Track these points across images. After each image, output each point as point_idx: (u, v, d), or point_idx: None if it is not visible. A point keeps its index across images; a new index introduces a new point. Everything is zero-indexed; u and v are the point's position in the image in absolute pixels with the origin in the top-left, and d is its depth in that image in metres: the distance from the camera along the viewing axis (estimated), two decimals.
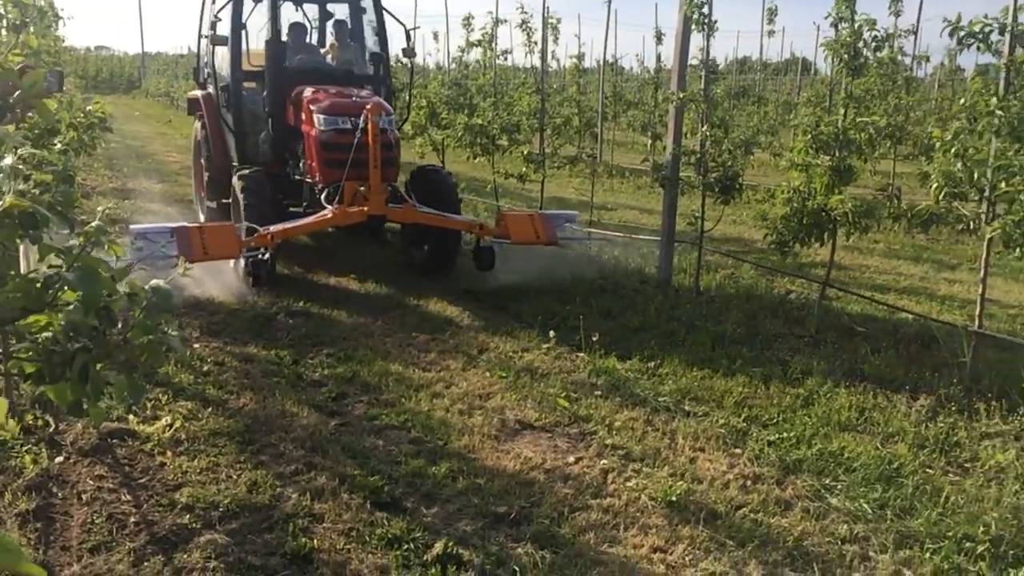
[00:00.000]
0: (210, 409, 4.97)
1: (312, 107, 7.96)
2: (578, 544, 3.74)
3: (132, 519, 3.76)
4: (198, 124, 9.78)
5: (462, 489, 4.18)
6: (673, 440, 4.79)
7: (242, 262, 7.31)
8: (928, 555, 3.71)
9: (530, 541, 3.73)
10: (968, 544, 3.76)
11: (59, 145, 4.63)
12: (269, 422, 4.82)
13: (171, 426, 4.65)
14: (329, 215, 7.45)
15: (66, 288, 1.65)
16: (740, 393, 5.48)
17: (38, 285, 1.70)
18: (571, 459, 4.55)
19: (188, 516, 3.81)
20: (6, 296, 1.61)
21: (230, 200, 8.34)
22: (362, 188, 7.53)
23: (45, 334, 1.66)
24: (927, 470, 4.53)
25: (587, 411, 5.16)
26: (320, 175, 7.84)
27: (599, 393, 5.43)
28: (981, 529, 3.86)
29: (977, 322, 5.74)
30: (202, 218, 9.68)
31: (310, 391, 5.37)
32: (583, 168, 14.42)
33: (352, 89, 8.44)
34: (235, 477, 4.18)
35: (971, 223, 5.66)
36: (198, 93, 9.80)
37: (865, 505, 4.10)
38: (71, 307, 1.61)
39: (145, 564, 3.42)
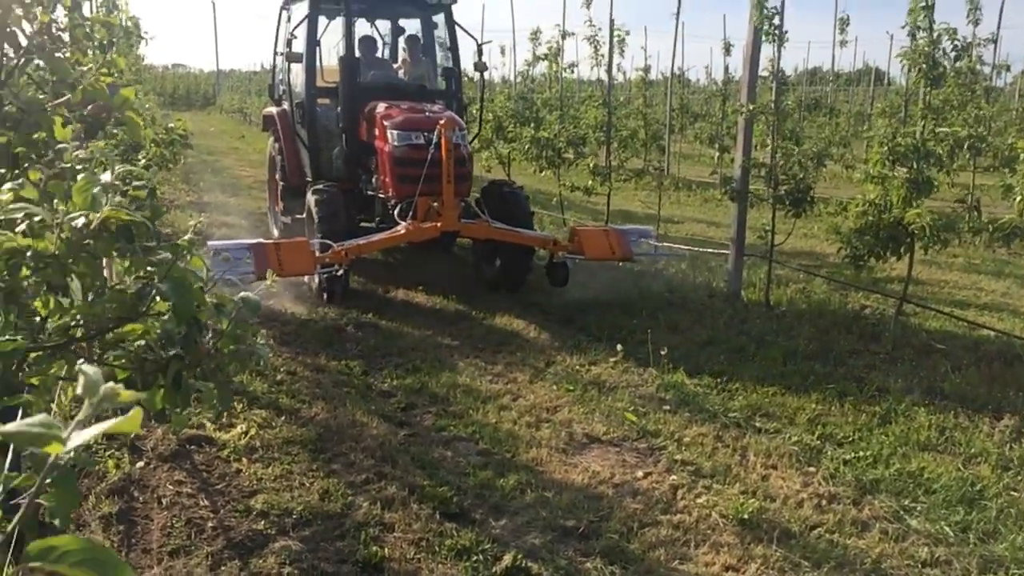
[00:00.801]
0: (283, 418, 5.07)
1: (385, 122, 7.98)
2: (648, 560, 3.70)
3: (210, 524, 3.86)
4: (272, 140, 9.95)
5: (530, 502, 4.18)
6: (744, 457, 4.71)
7: (316, 278, 7.38)
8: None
9: (599, 556, 3.70)
10: None
11: (143, 160, 4.84)
12: (340, 431, 4.89)
13: (246, 434, 4.76)
14: (402, 231, 7.47)
15: (158, 299, 1.70)
16: (813, 410, 5.36)
17: (131, 295, 1.75)
18: (640, 474, 4.51)
19: (263, 522, 3.89)
20: (102, 306, 1.67)
21: (304, 215, 8.41)
22: (435, 204, 7.52)
23: (139, 343, 1.72)
24: (1012, 492, 4.36)
25: (655, 426, 5.11)
26: (393, 190, 7.85)
27: (667, 408, 5.38)
28: None
29: None
30: (276, 233, 9.81)
31: (379, 401, 5.44)
32: (649, 181, 14.34)
33: (425, 104, 8.45)
34: (308, 485, 4.26)
35: None
36: (273, 110, 9.94)
37: (946, 528, 3.97)
38: (165, 317, 1.66)
39: (222, 568, 3.50)
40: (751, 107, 7.55)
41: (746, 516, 4.03)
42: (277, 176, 9.65)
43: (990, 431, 5.11)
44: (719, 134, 18.50)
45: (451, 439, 4.90)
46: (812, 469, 4.58)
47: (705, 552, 3.77)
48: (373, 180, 8.35)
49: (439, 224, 7.43)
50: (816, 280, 8.69)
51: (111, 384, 0.70)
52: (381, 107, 8.24)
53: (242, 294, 1.63)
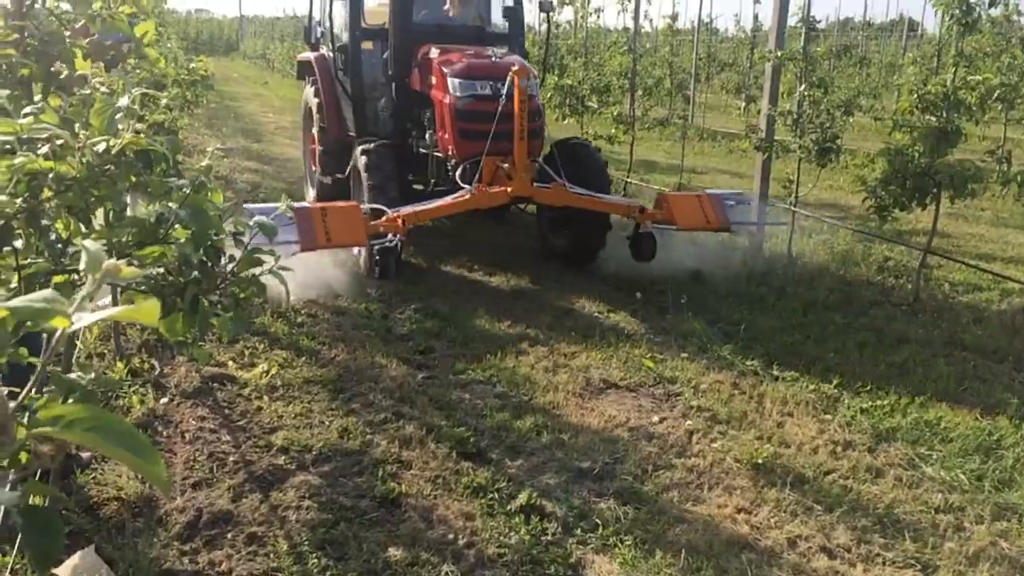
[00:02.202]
0: (304, 358, 5.13)
1: (445, 70, 6.95)
2: (661, 502, 3.75)
3: (231, 458, 3.94)
4: (310, 90, 8.77)
5: (546, 443, 4.23)
6: (760, 404, 4.73)
7: (363, 251, 6.63)
8: None
9: (612, 496, 3.75)
10: None
11: (165, 100, 4.84)
12: (359, 372, 4.95)
13: (267, 372, 4.83)
14: (467, 196, 6.51)
15: (177, 225, 1.72)
16: (832, 359, 5.36)
17: (150, 221, 1.77)
18: (655, 419, 4.54)
19: (283, 457, 3.97)
20: (122, 231, 1.69)
21: (346, 175, 7.62)
22: (505, 164, 6.64)
23: (158, 269, 1.74)
24: None
25: (672, 372, 5.12)
26: (455, 149, 6.88)
27: (685, 355, 5.39)
28: None
29: None
30: (312, 194, 9.04)
31: (398, 344, 5.49)
32: (673, 131, 14.18)
33: (489, 49, 7.32)
34: (327, 423, 4.33)
35: None
36: (310, 55, 8.79)
37: (961, 475, 3.98)
38: (182, 241, 1.68)
39: (244, 500, 3.59)
40: (779, 54, 7.40)
41: (760, 461, 4.05)
42: (314, 131, 8.65)
43: (1010, 382, 5.08)
44: (746, 84, 18.21)
45: (469, 382, 4.95)
46: (828, 417, 4.59)
47: (718, 495, 3.81)
48: (427, 136, 7.35)
49: (509, 189, 6.50)
50: (840, 231, 8.60)
51: (114, 260, 0.71)
52: (436, 52, 7.23)
53: (257, 217, 1.64)
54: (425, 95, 7.29)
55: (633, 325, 5.96)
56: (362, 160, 7.01)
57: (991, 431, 4.43)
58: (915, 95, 6.21)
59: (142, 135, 1.70)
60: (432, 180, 7.42)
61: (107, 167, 1.65)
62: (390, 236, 6.28)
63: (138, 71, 3.64)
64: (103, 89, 2.19)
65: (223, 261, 1.76)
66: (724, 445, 4.25)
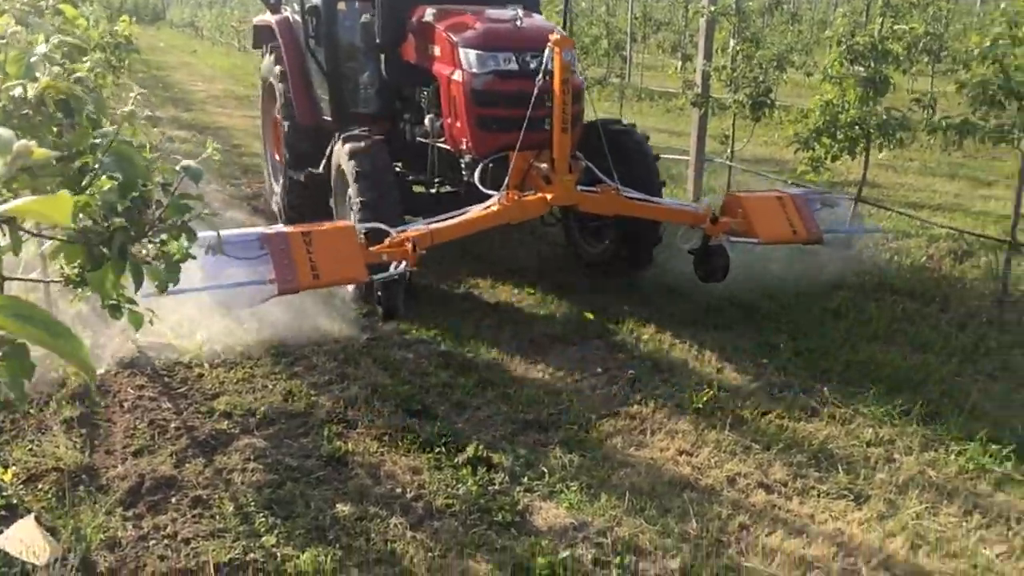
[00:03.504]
0: (245, 325, 5.07)
1: (454, 38, 5.37)
2: (605, 448, 3.82)
3: (173, 425, 3.89)
4: (270, 60, 7.11)
5: (491, 398, 4.26)
6: (700, 352, 4.83)
7: (358, 287, 5.24)
8: (953, 456, 3.75)
9: (558, 445, 3.81)
10: (994, 446, 3.79)
11: (88, 63, 4.66)
12: (302, 336, 4.91)
13: (208, 340, 4.76)
14: (496, 208, 5.02)
15: (102, 175, 1.69)
16: (768, 307, 5.48)
17: (74, 168, 1.74)
18: (598, 369, 4.60)
19: (227, 422, 3.94)
20: (46, 179, 1.65)
21: (323, 171, 6.00)
22: (540, 163, 5.20)
23: (85, 222, 1.71)
24: (955, 378, 4.53)
25: (614, 325, 5.20)
26: (471, 142, 5.35)
27: (627, 308, 5.46)
28: (1008, 432, 3.89)
29: (1011, 235, 5.65)
30: (276, 192, 7.29)
31: (341, 307, 5.45)
32: (612, 91, 14.22)
33: (507, 8, 5.64)
34: (271, 387, 4.30)
35: (1007, 132, 5.52)
36: (270, 18, 7.07)
37: (892, 411, 4.12)
38: (107, 190, 1.65)
39: (187, 465, 3.55)
40: (712, 8, 7.46)
41: (700, 405, 4.15)
42: (277, 113, 6.96)
43: (936, 323, 5.27)
44: (682, 43, 18.28)
45: (413, 342, 4.95)
46: (765, 361, 4.71)
47: (660, 439, 3.89)
48: (427, 122, 5.77)
49: (549, 196, 5.07)
50: (776, 184, 8.75)
51: (24, 141, 0.70)
52: (437, 13, 5.68)
53: (184, 162, 1.61)
54: (424, 69, 5.76)
55: (576, 279, 6.01)
56: (349, 164, 5.32)
57: (918, 368, 4.60)
58: (844, 46, 6.32)
59: (61, 80, 1.66)
60: (437, 179, 5.95)
61: (25, 112, 1.61)
62: (395, 265, 4.71)
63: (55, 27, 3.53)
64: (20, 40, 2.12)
65: (151, 210, 1.73)
66: (665, 392, 4.34)
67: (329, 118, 6.41)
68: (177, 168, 1.64)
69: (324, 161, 5.99)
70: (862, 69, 6.27)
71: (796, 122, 8.11)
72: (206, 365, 4.50)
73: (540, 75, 5.00)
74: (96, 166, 1.74)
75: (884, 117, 6.07)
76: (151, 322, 2.34)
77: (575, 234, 6.38)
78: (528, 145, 5.14)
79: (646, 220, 5.53)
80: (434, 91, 5.72)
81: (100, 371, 4.36)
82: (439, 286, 5.86)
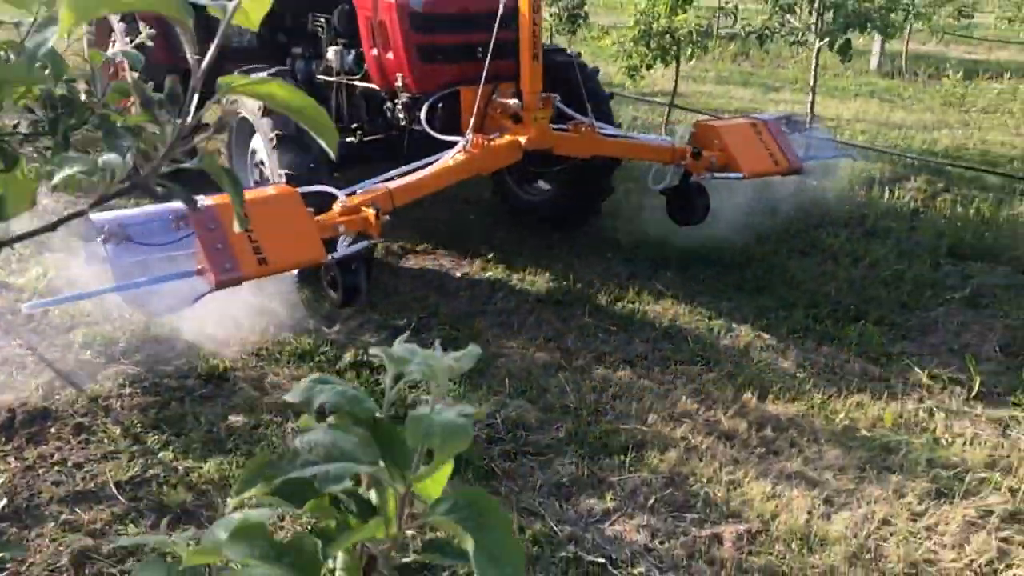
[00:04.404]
0: (81, 256, 4.80)
1: None
2: (479, 342, 3.99)
3: (29, 359, 3.69)
4: None
5: (360, 309, 4.33)
6: (551, 248, 5.10)
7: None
8: (782, 320, 4.26)
9: (434, 345, 3.96)
10: (814, 310, 4.33)
11: None
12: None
13: (44, 275, 4.49)
14: (463, 155, 4.31)
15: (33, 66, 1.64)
16: (604, 206, 5.82)
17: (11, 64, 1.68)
18: (458, 274, 4.78)
19: (88, 353, 3.78)
20: None
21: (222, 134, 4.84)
22: (509, 100, 4.55)
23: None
24: (773, 256, 5.07)
25: (467, 230, 5.36)
26: (410, 76, 4.57)
27: (472, 216, 5.64)
28: (823, 297, 4.46)
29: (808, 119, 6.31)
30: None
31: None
32: None
33: None
34: (128, 316, 4.14)
35: (801, 34, 6.11)
36: None
37: (726, 287, 4.59)
38: (45, 75, 1.60)
39: (57, 396, 3.41)
40: None
41: (560, 297, 4.44)
42: (114, 49, 5.08)
43: (748, 210, 5.82)
44: None
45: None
46: (610, 255, 5.06)
47: (527, 329, 4.15)
48: (332, 56, 4.93)
49: (523, 138, 4.39)
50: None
51: None
52: None
53: (120, 48, 1.58)
54: None
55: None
56: (263, 121, 4.36)
57: (742, 250, 5.10)
58: None
59: None
60: (356, 126, 5.15)
61: None
62: (350, 238, 3.80)
63: None
64: None
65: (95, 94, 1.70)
66: (526, 287, 4.58)
67: (197, 57, 5.30)
68: (109, 54, 1.61)
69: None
70: None
71: (601, 37, 8.47)
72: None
73: None
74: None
75: (692, 26, 6.52)
76: None
77: (506, 177, 5.44)
78: (476, 78, 4.37)
79: (600, 162, 4.95)
80: (343, 16, 4.89)
81: None
82: None
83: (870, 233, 5.53)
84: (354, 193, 3.97)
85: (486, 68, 4.29)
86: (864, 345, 4.04)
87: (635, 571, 2.59)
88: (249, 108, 4.42)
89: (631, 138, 5.04)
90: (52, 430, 3.20)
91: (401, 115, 4.73)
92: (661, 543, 2.72)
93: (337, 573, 0.61)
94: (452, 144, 4.38)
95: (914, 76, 11.32)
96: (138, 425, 3.24)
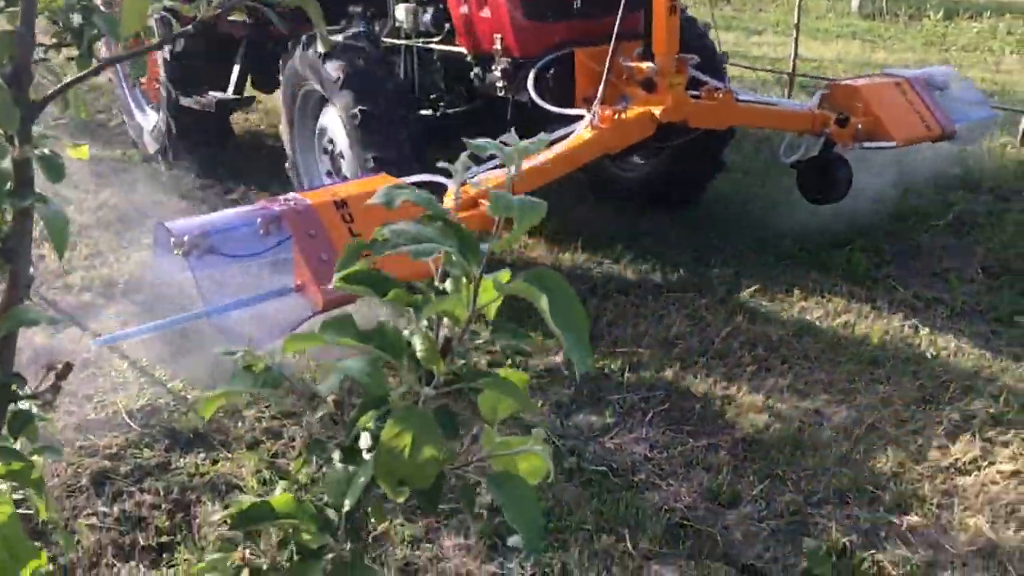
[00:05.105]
0: (71, 207, 4.81)
1: None
2: None
3: (27, 303, 3.73)
4: None
5: None
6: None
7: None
8: (771, 249, 4.35)
9: None
10: (802, 240, 4.43)
11: None
12: (142, 211, 4.75)
13: (37, 224, 4.50)
14: (590, 133, 3.72)
15: None
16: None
17: None
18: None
19: (88, 295, 3.83)
20: None
21: (233, 96, 4.93)
22: (642, 64, 3.87)
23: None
24: (760, 187, 5.15)
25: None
26: (514, 37, 3.93)
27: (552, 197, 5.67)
28: (811, 227, 4.56)
29: (792, 67, 6.38)
30: (149, 128, 5.53)
31: (171, 180, 5.28)
32: None
33: None
34: (124, 260, 4.18)
35: None
36: None
37: (715, 221, 4.67)
38: None
39: (61, 336, 3.46)
40: None
41: (552, 234, 4.51)
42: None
43: None
44: None
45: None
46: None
47: (521, 262, 4.22)
48: (402, 15, 4.21)
49: (657, 109, 3.75)
50: None
51: None
52: None
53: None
54: None
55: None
56: (344, 96, 3.78)
57: (731, 184, 5.18)
58: None
59: None
60: (433, 98, 4.44)
61: None
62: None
63: None
64: None
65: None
66: None
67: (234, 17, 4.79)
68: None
69: (237, 81, 4.86)
70: None
71: None
72: (45, 245, 4.28)
73: None
74: None
75: None
76: None
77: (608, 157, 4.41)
78: (593, 37, 3.87)
79: (715, 135, 4.27)
80: None
81: None
82: None
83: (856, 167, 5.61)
84: (465, 182, 3.29)
85: (617, 23, 3.63)
86: (850, 270, 4.13)
87: (636, 479, 2.69)
88: (323, 75, 3.81)
89: (770, 104, 4.42)
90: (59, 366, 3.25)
91: (500, 84, 3.99)
92: (660, 453, 2.82)
93: (418, 353, 0.68)
94: (565, 118, 3.82)
95: (895, 17, 11.35)
96: (144, 360, 3.30)
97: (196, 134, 5.19)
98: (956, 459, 2.76)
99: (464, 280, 0.68)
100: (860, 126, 4.13)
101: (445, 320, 0.70)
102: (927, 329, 3.57)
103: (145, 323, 2.98)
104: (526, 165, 3.31)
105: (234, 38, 4.96)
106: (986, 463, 2.75)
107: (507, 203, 0.68)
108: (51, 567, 2.25)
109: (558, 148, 3.63)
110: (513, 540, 2.49)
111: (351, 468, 0.67)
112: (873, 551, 2.37)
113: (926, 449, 2.81)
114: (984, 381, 3.21)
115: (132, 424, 2.89)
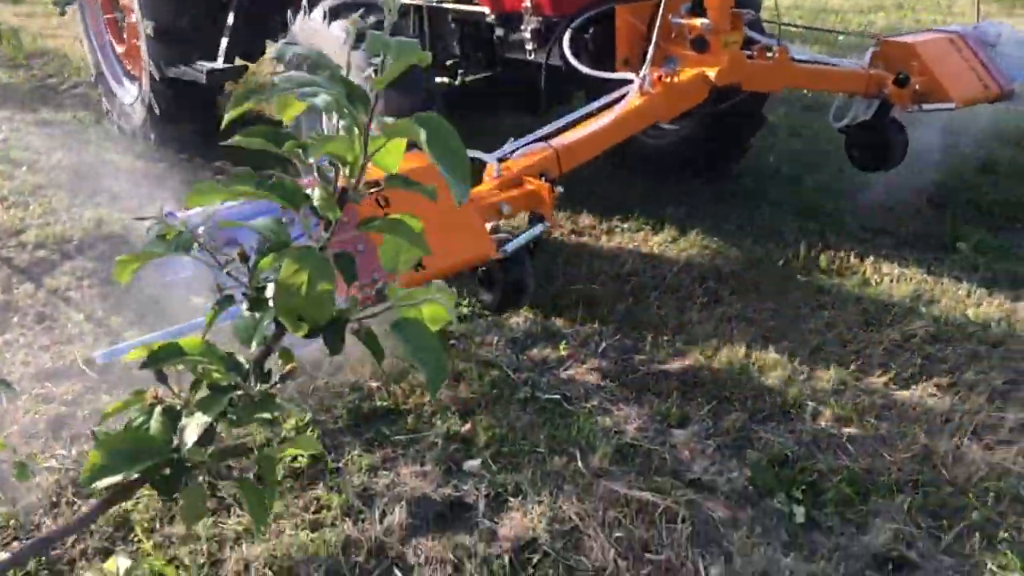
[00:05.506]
0: (24, 168, 4.78)
1: None
2: None
3: None
4: None
5: None
6: None
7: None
8: (725, 188, 4.41)
9: None
10: (753, 177, 4.48)
11: None
12: (94, 170, 4.71)
13: None
14: (639, 100, 3.38)
15: None
16: None
17: None
18: None
19: (42, 252, 3.82)
20: None
21: (226, 71, 4.55)
22: (695, 21, 3.53)
23: None
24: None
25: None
26: None
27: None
28: (764, 166, 4.61)
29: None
30: (129, 103, 5.18)
31: (123, 141, 5.23)
32: None
33: None
34: (78, 218, 4.16)
35: None
36: None
37: (672, 165, 4.72)
38: None
39: (16, 291, 3.47)
40: None
41: None
42: None
43: None
44: None
45: (201, 167, 4.90)
46: None
47: None
48: None
49: (712, 73, 3.44)
50: None
51: None
52: None
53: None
54: None
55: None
56: (340, 43, 3.44)
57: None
58: None
59: None
60: (450, 63, 4.16)
61: None
62: (504, 223, 2.99)
63: None
64: None
65: None
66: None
67: None
68: None
69: (227, 49, 4.43)
70: None
71: None
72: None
73: None
74: None
75: None
76: None
77: None
78: None
79: (754, 96, 3.88)
80: None
81: None
82: None
83: (808, 108, 5.69)
84: (506, 157, 3.06)
85: None
86: (801, 204, 4.21)
87: (589, 405, 2.75)
88: (330, 35, 3.48)
89: (825, 63, 4.06)
90: (15, 320, 3.25)
91: (530, 46, 3.68)
92: (611, 381, 2.89)
93: (316, 202, 0.72)
94: (606, 83, 3.50)
95: None
96: (99, 312, 3.31)
97: (183, 112, 4.80)
98: (895, 374, 2.85)
99: (355, 129, 0.72)
100: (918, 86, 3.81)
101: (343, 171, 0.73)
102: (872, 257, 3.65)
103: (146, 333, 2.96)
104: (571, 138, 3.20)
105: (222, 2, 4.59)
106: (924, 377, 2.85)
107: (384, 42, 0.71)
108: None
109: (605, 118, 3.30)
110: (469, 465, 2.58)
111: (257, 315, 0.71)
112: (814, 460, 2.47)
113: (867, 367, 2.91)
114: (925, 303, 3.31)
115: (89, 372, 2.90)
